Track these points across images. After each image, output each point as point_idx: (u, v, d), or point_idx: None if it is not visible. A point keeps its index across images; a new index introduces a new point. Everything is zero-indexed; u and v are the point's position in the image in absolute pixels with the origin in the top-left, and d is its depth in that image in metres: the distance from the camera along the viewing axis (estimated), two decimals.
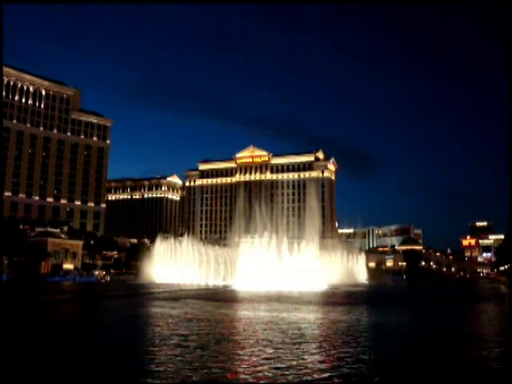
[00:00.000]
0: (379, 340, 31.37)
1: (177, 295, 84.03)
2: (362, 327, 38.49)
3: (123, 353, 25.46)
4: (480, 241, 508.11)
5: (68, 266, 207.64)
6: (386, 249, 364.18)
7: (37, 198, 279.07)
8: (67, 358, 23.70)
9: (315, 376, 19.52)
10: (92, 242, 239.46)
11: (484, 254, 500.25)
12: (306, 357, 23.66)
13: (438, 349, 27.75)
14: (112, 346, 27.56)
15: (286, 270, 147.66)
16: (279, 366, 21.29)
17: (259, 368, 20.77)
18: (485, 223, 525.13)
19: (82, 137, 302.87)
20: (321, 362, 22.65)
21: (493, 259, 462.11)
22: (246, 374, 19.63)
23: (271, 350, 25.23)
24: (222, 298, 79.46)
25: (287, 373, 19.94)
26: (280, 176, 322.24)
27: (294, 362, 22.08)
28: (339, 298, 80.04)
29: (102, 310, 55.91)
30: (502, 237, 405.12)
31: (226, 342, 28.69)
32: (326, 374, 19.85)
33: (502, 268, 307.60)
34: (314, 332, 34.33)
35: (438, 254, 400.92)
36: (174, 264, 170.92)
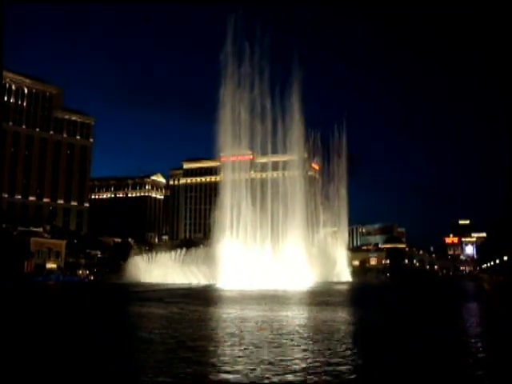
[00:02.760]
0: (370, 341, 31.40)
1: (162, 295, 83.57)
2: (354, 327, 38.50)
3: (113, 356, 25.13)
4: (462, 239, 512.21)
5: (51, 265, 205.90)
6: (369, 247, 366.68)
7: (19, 196, 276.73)
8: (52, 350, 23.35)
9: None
10: (75, 241, 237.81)
11: (466, 252, 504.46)
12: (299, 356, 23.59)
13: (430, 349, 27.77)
14: (100, 352, 27.21)
15: (270, 268, 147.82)
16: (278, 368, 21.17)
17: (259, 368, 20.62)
18: (467, 221, 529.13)
19: (65, 135, 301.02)
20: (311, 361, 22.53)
21: (475, 257, 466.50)
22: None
23: (266, 352, 25.08)
24: (206, 297, 79.19)
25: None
26: (264, 175, 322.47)
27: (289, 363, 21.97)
28: (326, 297, 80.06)
29: (84, 311, 55.34)
30: (484, 235, 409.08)
31: (219, 344, 28.47)
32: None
33: (484, 266, 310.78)
34: (304, 331, 34.21)
35: (421, 252, 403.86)
36: (157, 264, 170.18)
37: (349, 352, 24.99)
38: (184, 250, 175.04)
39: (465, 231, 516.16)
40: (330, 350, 25.47)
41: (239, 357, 23.26)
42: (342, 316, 46.34)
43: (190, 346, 26.65)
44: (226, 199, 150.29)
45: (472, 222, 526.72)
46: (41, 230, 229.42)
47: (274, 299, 71.93)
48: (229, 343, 27.70)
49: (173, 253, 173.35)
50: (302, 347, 26.43)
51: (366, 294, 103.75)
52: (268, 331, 33.19)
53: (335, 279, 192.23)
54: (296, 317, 45.52)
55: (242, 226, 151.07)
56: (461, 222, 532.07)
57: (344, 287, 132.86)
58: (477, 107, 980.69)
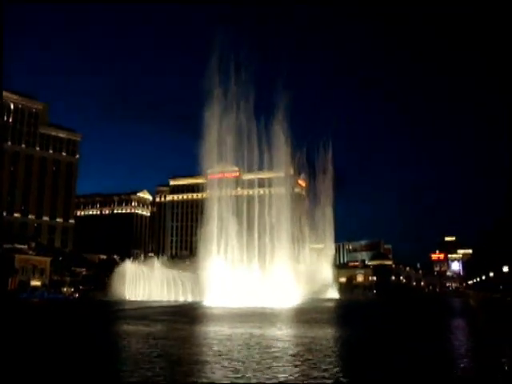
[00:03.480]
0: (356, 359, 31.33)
1: (148, 312, 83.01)
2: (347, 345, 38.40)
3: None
4: (449, 255, 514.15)
5: (35, 282, 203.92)
6: (356, 264, 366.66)
7: (4, 213, 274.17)
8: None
9: None
10: (60, 258, 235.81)
11: (452, 268, 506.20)
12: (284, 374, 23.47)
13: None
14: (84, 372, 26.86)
15: (257, 286, 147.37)
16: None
17: None
18: (453, 238, 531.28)
19: (51, 151, 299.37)
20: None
21: (461, 273, 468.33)
22: None
23: (254, 372, 24.92)
24: (193, 314, 78.74)
25: None
26: (251, 192, 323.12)
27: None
28: (314, 314, 79.84)
29: (70, 329, 54.73)
30: (469, 251, 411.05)
31: (207, 363, 28.25)
32: None
33: (470, 282, 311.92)
34: (292, 349, 34.06)
35: (407, 268, 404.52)
36: (143, 281, 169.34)
37: (336, 370, 24.90)
38: (167, 260, 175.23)
39: (451, 247, 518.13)
40: (317, 367, 25.37)
41: (227, 377, 23.12)
42: (329, 333, 46.22)
43: (178, 365, 26.44)
44: (212, 216, 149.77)
45: (458, 238, 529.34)
46: (25, 247, 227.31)
47: (262, 317, 71.63)
48: (216, 362, 27.51)
49: (158, 268, 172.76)
50: (290, 365, 26.32)
51: (352, 311, 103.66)
52: (256, 350, 33.01)
53: (322, 296, 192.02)
54: (283, 335, 45.36)
55: (228, 243, 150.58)
56: (447, 238, 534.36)
57: (331, 304, 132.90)
58: (464, 125, 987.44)
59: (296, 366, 26.17)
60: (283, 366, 26.31)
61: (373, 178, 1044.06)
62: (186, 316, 73.31)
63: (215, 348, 34.05)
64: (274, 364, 26.79)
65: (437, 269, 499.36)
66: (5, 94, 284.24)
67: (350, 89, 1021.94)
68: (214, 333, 46.58)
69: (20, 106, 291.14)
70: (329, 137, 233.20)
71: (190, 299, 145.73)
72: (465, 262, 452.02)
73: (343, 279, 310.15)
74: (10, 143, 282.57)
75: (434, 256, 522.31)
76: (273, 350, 33.02)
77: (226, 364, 26.59)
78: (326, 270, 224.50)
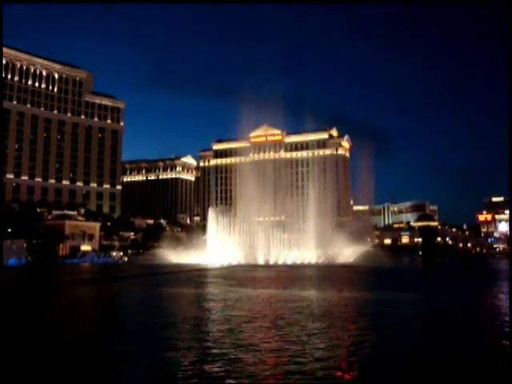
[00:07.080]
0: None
1: (196, 275, 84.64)
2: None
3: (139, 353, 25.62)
4: (496, 216, 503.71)
5: (86, 247, 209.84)
6: (401, 225, 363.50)
7: (53, 181, 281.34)
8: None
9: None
10: (109, 223, 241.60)
11: (500, 230, 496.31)
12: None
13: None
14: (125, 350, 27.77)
15: (300, 246, 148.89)
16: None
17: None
18: (501, 198, 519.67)
19: (96, 119, 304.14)
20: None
21: (509, 234, 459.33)
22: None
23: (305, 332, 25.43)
24: (238, 277, 79.75)
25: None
26: (294, 154, 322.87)
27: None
28: (364, 276, 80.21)
29: (121, 292, 56.36)
30: None
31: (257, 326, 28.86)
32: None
33: None
34: (332, 310, 34.51)
35: (453, 229, 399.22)
36: (189, 246, 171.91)
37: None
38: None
39: (499, 208, 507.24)
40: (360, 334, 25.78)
41: (287, 339, 23.71)
42: (379, 297, 46.54)
43: (232, 327, 27.13)
44: (254, 179, 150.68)
45: (506, 198, 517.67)
46: (75, 213, 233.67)
47: (310, 279, 72.32)
48: (274, 326, 28.05)
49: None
50: (337, 328, 26.79)
51: (396, 275, 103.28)
52: (307, 312, 33.52)
53: (364, 258, 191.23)
54: (331, 296, 45.81)
55: (271, 206, 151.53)
56: (494, 198, 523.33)
57: (372, 266, 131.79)
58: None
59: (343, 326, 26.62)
60: (332, 326, 26.80)
61: (420, 138, 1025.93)
62: (232, 279, 74.37)
63: (268, 312, 34.56)
64: (324, 326, 27.29)
65: (484, 230, 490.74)
66: (48, 63, 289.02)
67: (393, 51, 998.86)
68: (267, 294, 47.27)
69: (64, 75, 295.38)
70: (372, 98, 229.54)
71: (232, 261, 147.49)
72: None
73: (388, 241, 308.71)
74: (56, 112, 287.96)
75: (481, 217, 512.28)
76: (321, 312, 33.54)
77: (287, 328, 27.12)
78: (369, 232, 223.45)
